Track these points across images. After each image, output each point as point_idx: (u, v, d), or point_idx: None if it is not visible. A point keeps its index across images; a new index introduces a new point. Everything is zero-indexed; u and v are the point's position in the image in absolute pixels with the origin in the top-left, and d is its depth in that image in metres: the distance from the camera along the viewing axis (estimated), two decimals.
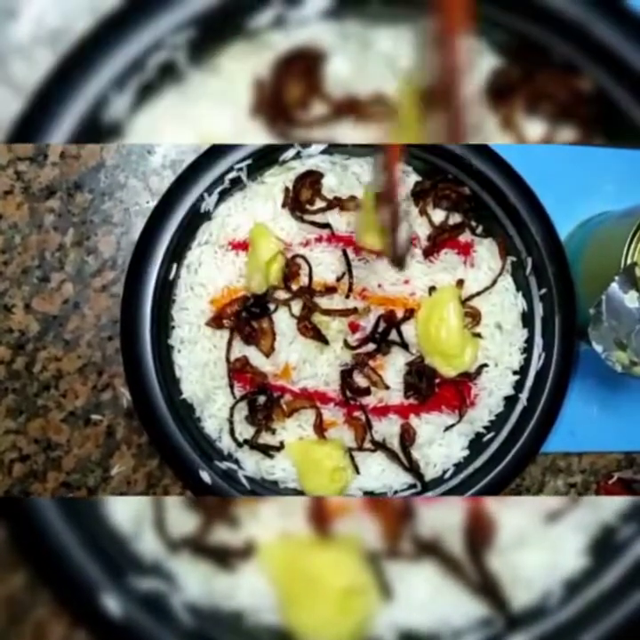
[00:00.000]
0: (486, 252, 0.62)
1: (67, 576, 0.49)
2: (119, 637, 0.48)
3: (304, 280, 0.60)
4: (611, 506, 0.52)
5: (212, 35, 0.48)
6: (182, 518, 0.51)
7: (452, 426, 0.62)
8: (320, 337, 0.60)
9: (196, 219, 0.60)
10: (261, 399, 0.60)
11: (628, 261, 0.57)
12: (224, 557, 0.51)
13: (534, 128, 0.50)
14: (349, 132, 0.49)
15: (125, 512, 0.51)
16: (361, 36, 0.49)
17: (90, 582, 0.49)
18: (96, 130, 0.48)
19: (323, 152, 0.61)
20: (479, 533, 0.51)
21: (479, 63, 0.50)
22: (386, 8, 0.49)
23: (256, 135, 0.49)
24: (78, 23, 0.47)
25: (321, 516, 0.51)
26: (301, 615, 0.50)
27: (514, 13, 0.49)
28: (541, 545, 0.51)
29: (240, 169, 0.59)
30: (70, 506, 0.51)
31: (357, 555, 0.51)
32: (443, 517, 0.51)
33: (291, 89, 0.49)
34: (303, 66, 0.48)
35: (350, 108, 0.49)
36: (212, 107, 0.49)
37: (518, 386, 0.62)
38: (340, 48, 0.49)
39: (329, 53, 0.49)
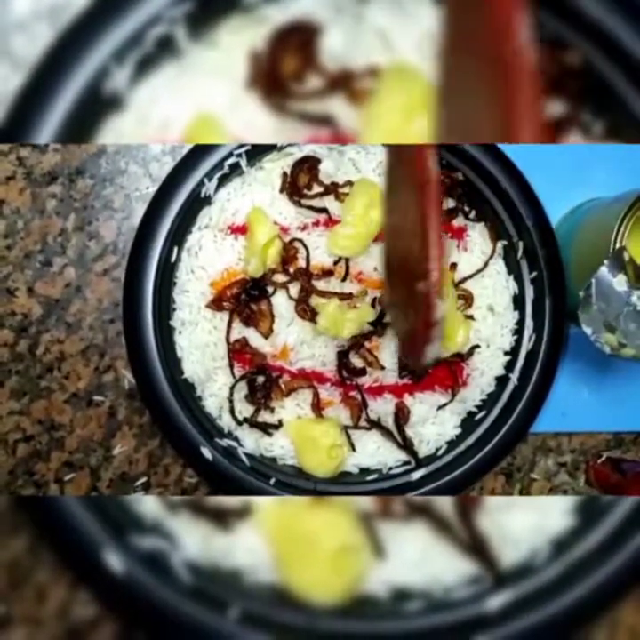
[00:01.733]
0: (479, 237, 0.64)
1: (70, 535, 0.51)
2: (121, 593, 0.50)
3: (302, 263, 0.62)
4: None
5: (210, 8, 0.49)
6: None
7: (445, 405, 0.63)
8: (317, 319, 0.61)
9: (196, 203, 0.61)
10: (260, 379, 0.62)
11: (617, 245, 0.59)
12: (222, 517, 0.52)
13: None
14: (344, 106, 0.50)
15: None
16: (354, 10, 0.50)
17: (92, 541, 0.51)
18: (96, 102, 0.48)
19: None
20: (469, 495, 0.52)
21: None
22: None
23: (252, 108, 0.50)
24: None
25: None
26: (297, 573, 0.52)
27: None
28: (529, 506, 0.53)
29: (239, 155, 0.60)
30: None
31: (351, 515, 0.52)
32: None
33: (286, 62, 0.49)
34: (298, 39, 0.49)
35: (345, 81, 0.50)
36: (210, 79, 0.50)
37: (509, 366, 0.63)
38: (335, 21, 0.50)
39: (324, 27, 0.50)
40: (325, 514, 0.52)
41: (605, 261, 0.56)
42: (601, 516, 0.52)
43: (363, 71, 0.50)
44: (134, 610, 0.49)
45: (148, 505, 0.52)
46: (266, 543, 0.52)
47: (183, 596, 0.50)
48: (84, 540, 0.50)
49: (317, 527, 0.52)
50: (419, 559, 0.51)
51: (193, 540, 0.52)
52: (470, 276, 0.63)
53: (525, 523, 0.52)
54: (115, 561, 0.50)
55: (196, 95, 0.49)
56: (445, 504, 0.52)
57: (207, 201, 0.62)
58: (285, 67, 0.49)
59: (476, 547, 0.52)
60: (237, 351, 0.62)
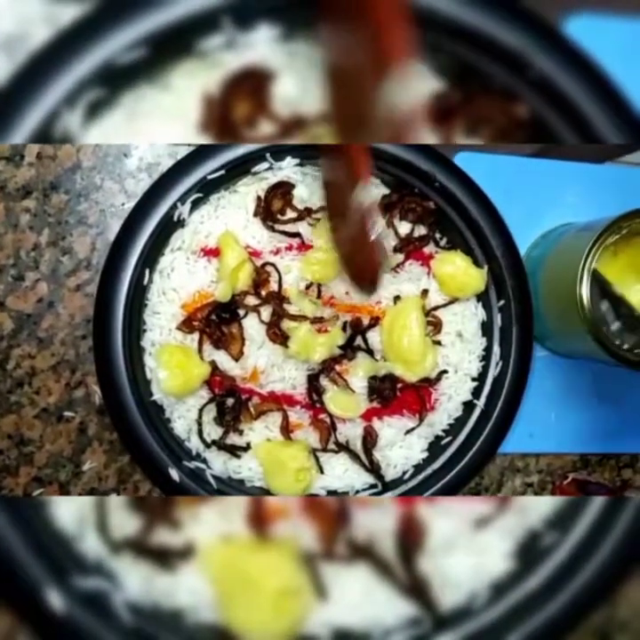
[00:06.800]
0: None
1: (11, 574, 0.50)
2: (62, 634, 0.49)
3: (273, 287, 0.62)
4: (537, 512, 0.54)
5: (163, 53, 0.49)
6: (124, 520, 0.52)
7: (413, 429, 0.64)
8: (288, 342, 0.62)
9: (170, 226, 0.61)
10: (230, 401, 0.62)
11: (585, 273, 0.60)
12: (165, 558, 0.52)
13: None
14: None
15: (69, 513, 0.52)
16: (308, 55, 0.50)
17: (33, 580, 0.50)
18: (48, 142, 0.48)
19: (294, 163, 0.62)
20: (410, 538, 0.52)
21: (422, 86, 0.51)
22: None
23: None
24: (34, 29, 0.47)
25: (259, 519, 0.53)
26: (239, 614, 0.51)
27: (456, 40, 0.50)
28: (470, 549, 0.53)
29: (213, 179, 0.60)
30: (15, 506, 0.51)
31: (294, 556, 0.52)
32: (376, 522, 0.53)
33: (239, 107, 0.49)
34: (251, 84, 0.49)
35: (297, 126, 0.50)
36: (162, 122, 0.50)
37: (476, 392, 0.64)
38: (288, 67, 0.50)
39: (277, 72, 0.50)
40: (268, 555, 0.52)
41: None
42: (540, 560, 0.53)
43: (315, 117, 0.50)
44: None
45: (90, 545, 0.51)
46: (208, 584, 0.52)
47: (124, 637, 0.49)
48: (25, 579, 0.50)
49: (260, 568, 0.51)
50: (360, 601, 0.51)
51: (135, 581, 0.51)
52: (444, 305, 0.64)
53: (466, 565, 0.52)
54: (56, 601, 0.49)
55: (148, 137, 0.49)
56: (387, 546, 0.52)
57: (180, 224, 0.62)
58: (238, 112, 0.49)
59: (417, 589, 0.52)
60: None
